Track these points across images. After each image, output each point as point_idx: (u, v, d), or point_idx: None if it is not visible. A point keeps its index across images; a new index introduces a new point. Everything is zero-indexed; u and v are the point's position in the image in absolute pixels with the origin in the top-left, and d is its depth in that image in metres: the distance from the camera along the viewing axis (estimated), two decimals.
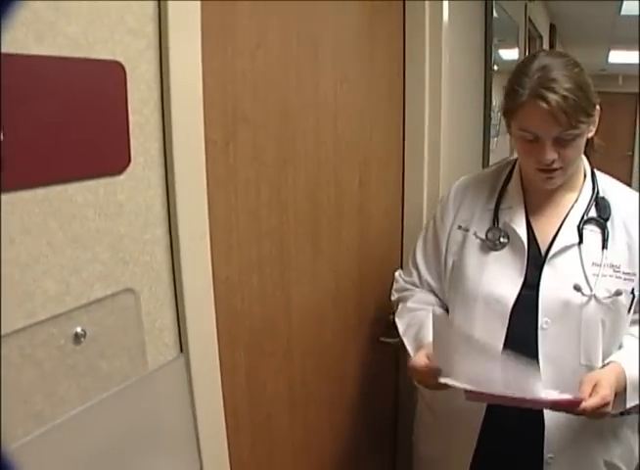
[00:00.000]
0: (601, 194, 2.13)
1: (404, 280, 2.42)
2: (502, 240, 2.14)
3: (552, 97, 1.86)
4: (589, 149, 2.21)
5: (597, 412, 1.85)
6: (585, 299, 2.02)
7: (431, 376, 1.95)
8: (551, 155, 1.94)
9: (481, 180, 2.33)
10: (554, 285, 2.05)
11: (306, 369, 2.24)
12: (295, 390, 2.18)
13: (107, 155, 1.22)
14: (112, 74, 1.22)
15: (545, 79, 1.89)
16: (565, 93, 1.87)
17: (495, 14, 4.35)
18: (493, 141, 4.51)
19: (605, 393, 1.85)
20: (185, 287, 1.41)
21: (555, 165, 1.98)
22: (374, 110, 2.61)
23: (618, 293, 2.03)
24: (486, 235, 2.16)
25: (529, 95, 1.91)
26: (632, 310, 2.09)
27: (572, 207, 2.12)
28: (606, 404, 1.85)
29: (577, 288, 2.02)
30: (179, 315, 1.43)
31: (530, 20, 6.60)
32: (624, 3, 7.68)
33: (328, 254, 2.31)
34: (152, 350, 1.37)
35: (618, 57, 13.09)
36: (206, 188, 1.61)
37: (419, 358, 2.02)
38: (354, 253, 2.52)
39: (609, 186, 2.18)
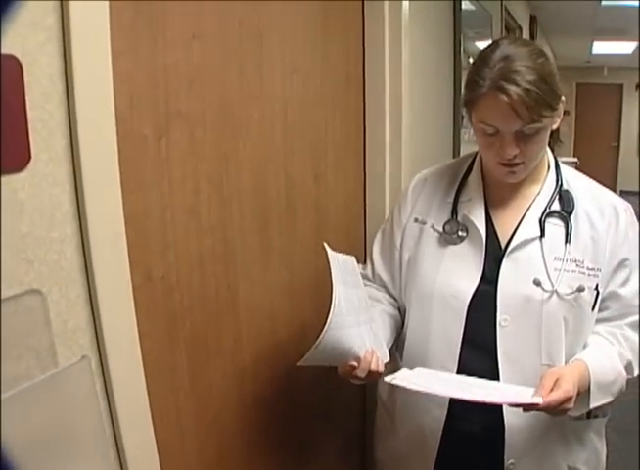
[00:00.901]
0: (564, 187, 2.08)
1: (360, 273, 2.35)
2: (460, 233, 2.09)
3: (513, 90, 1.80)
4: (554, 140, 2.18)
5: (559, 408, 1.80)
6: (546, 294, 1.97)
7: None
8: (512, 149, 1.89)
9: (441, 173, 2.28)
10: (513, 280, 2.00)
11: (259, 369, 2.19)
12: (245, 390, 2.13)
13: (2, 152, 1.17)
14: (5, 68, 1.16)
15: (507, 71, 1.82)
16: (527, 86, 1.80)
17: (471, 5, 4.33)
18: (471, 132, 4.48)
19: (567, 387, 1.80)
20: (98, 287, 1.36)
21: (517, 160, 1.93)
22: (329, 102, 2.56)
23: (581, 289, 1.98)
24: (444, 228, 2.11)
25: (490, 87, 1.84)
26: (596, 308, 2.05)
27: (535, 199, 2.07)
28: (568, 399, 1.80)
29: (537, 283, 1.97)
30: (94, 315, 1.38)
31: (508, 11, 6.58)
32: None
33: (280, 250, 2.26)
34: (64, 351, 1.31)
35: (602, 48, 13.10)
36: (137, 185, 1.59)
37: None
38: (310, 248, 2.47)
39: (573, 179, 2.13)
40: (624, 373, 2.02)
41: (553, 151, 2.18)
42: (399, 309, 2.32)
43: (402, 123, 2.88)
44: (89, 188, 1.33)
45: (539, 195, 2.07)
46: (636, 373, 2.07)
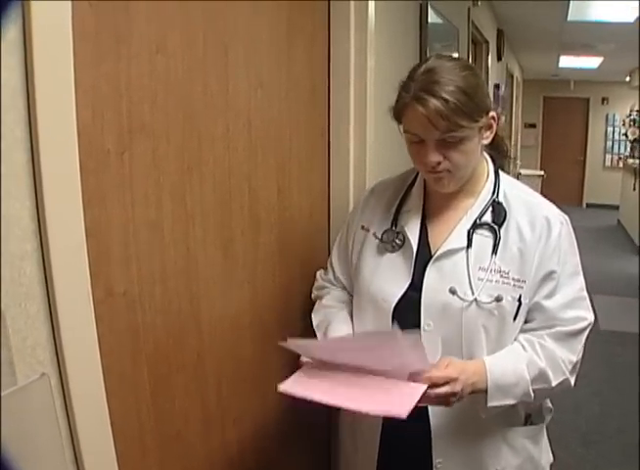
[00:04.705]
0: (500, 198, 2.13)
1: (322, 278, 2.48)
2: (397, 241, 2.17)
3: (430, 100, 1.88)
4: (502, 156, 2.25)
5: (442, 394, 1.86)
6: (465, 303, 2.02)
7: None
8: (434, 157, 1.96)
9: (389, 183, 2.38)
10: (435, 287, 2.06)
11: (222, 383, 2.18)
12: (209, 405, 2.13)
13: None
14: None
15: (427, 82, 1.91)
16: (444, 96, 1.87)
17: (437, 18, 4.35)
18: None
19: (451, 374, 1.87)
20: (59, 302, 1.35)
21: (441, 167, 1.99)
22: (294, 115, 2.57)
23: (499, 298, 2.01)
24: (382, 236, 2.19)
25: (410, 98, 1.93)
26: (518, 318, 2.07)
27: (467, 211, 2.12)
28: (449, 382, 1.86)
29: (452, 291, 2.03)
30: (54, 332, 1.37)
31: (475, 25, 6.60)
32: (570, 9, 7.74)
33: (243, 264, 2.26)
34: (23, 368, 1.30)
35: (569, 62, 13.25)
36: (99, 199, 1.57)
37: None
38: (274, 261, 2.47)
39: (511, 190, 2.16)
40: (527, 378, 2.02)
41: (502, 168, 2.23)
42: None
43: (367, 136, 2.90)
44: (50, 204, 1.32)
45: (472, 207, 2.12)
46: (554, 384, 2.05)
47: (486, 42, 7.86)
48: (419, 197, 2.21)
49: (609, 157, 17.49)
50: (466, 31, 6.02)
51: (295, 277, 2.66)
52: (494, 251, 2.05)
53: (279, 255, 2.51)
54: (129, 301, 1.73)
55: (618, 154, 17.17)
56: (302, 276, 2.69)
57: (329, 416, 3.07)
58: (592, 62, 13.02)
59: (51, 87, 1.32)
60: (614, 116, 17.27)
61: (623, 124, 16.62)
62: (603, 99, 17.30)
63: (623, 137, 16.58)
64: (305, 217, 2.72)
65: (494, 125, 2.05)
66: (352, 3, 2.80)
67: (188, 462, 2.05)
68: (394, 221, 2.20)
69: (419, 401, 1.79)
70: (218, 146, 2.07)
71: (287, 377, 1.99)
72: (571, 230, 2.14)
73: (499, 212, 2.09)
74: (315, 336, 2.28)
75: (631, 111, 15.62)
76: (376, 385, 1.90)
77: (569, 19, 8.40)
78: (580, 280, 2.13)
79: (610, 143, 17.49)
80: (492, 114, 2.03)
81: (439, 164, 1.97)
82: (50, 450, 1.36)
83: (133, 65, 1.69)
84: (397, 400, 1.80)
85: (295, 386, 1.93)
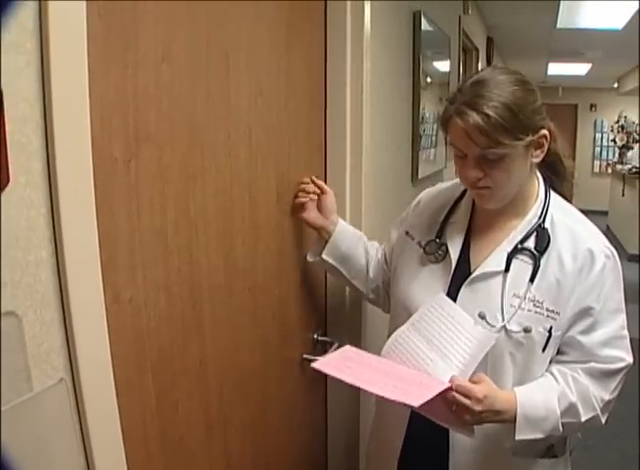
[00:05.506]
0: (546, 224, 2.06)
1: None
2: (440, 252, 2.15)
3: (471, 115, 1.84)
4: (559, 175, 2.22)
5: (459, 403, 1.84)
6: (494, 329, 1.98)
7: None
8: (474, 173, 1.93)
9: (438, 192, 2.36)
10: (466, 309, 2.02)
11: (223, 389, 2.19)
12: (210, 410, 2.13)
13: None
14: None
15: (472, 95, 1.87)
16: (486, 111, 1.83)
17: (429, 26, 4.37)
18: (431, 152, 4.53)
19: (476, 392, 1.84)
20: (73, 309, 1.36)
21: (482, 184, 1.96)
22: (292, 123, 2.58)
23: (527, 330, 1.98)
24: (425, 247, 2.19)
25: (453, 111, 1.90)
26: (548, 350, 2.03)
27: (511, 233, 2.08)
28: (470, 397, 1.84)
29: (482, 316, 2.00)
30: (68, 338, 1.39)
31: (465, 32, 6.64)
32: (560, 17, 7.79)
33: (243, 271, 2.27)
34: (38, 374, 1.31)
35: (557, 69, 13.32)
36: (107, 207, 1.58)
37: None
38: (273, 269, 2.48)
39: (560, 215, 2.10)
40: (558, 413, 1.98)
41: (554, 188, 2.19)
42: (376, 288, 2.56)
43: (363, 137, 2.92)
44: (65, 211, 1.33)
45: (517, 230, 2.08)
46: (583, 419, 2.02)
47: (476, 49, 7.90)
48: (466, 211, 2.19)
49: (597, 163, 17.56)
50: (457, 39, 6.05)
51: (293, 286, 2.68)
52: (532, 279, 2.00)
53: (277, 263, 2.51)
54: (135, 307, 1.74)
55: (607, 160, 17.24)
56: (301, 286, 2.71)
57: (326, 424, 3.10)
58: (580, 68, 13.09)
59: (67, 97, 1.33)
60: (602, 122, 17.37)
61: (612, 130, 16.70)
62: (591, 105, 17.39)
63: (612, 143, 16.66)
64: (303, 227, 2.71)
65: (545, 144, 1.99)
66: (349, 3, 2.81)
67: (191, 468, 2.06)
68: (439, 232, 2.19)
69: (438, 396, 1.78)
70: (220, 154, 2.08)
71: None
72: (618, 265, 2.09)
73: (542, 239, 2.03)
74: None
75: (619, 117, 15.70)
76: (403, 374, 1.91)
77: (557, 26, 8.46)
78: (622, 318, 2.07)
79: (598, 149, 17.58)
80: (544, 132, 1.97)
81: (480, 180, 1.95)
82: (65, 457, 1.37)
83: (140, 73, 1.70)
84: (416, 392, 1.80)
85: (326, 365, 1.98)
